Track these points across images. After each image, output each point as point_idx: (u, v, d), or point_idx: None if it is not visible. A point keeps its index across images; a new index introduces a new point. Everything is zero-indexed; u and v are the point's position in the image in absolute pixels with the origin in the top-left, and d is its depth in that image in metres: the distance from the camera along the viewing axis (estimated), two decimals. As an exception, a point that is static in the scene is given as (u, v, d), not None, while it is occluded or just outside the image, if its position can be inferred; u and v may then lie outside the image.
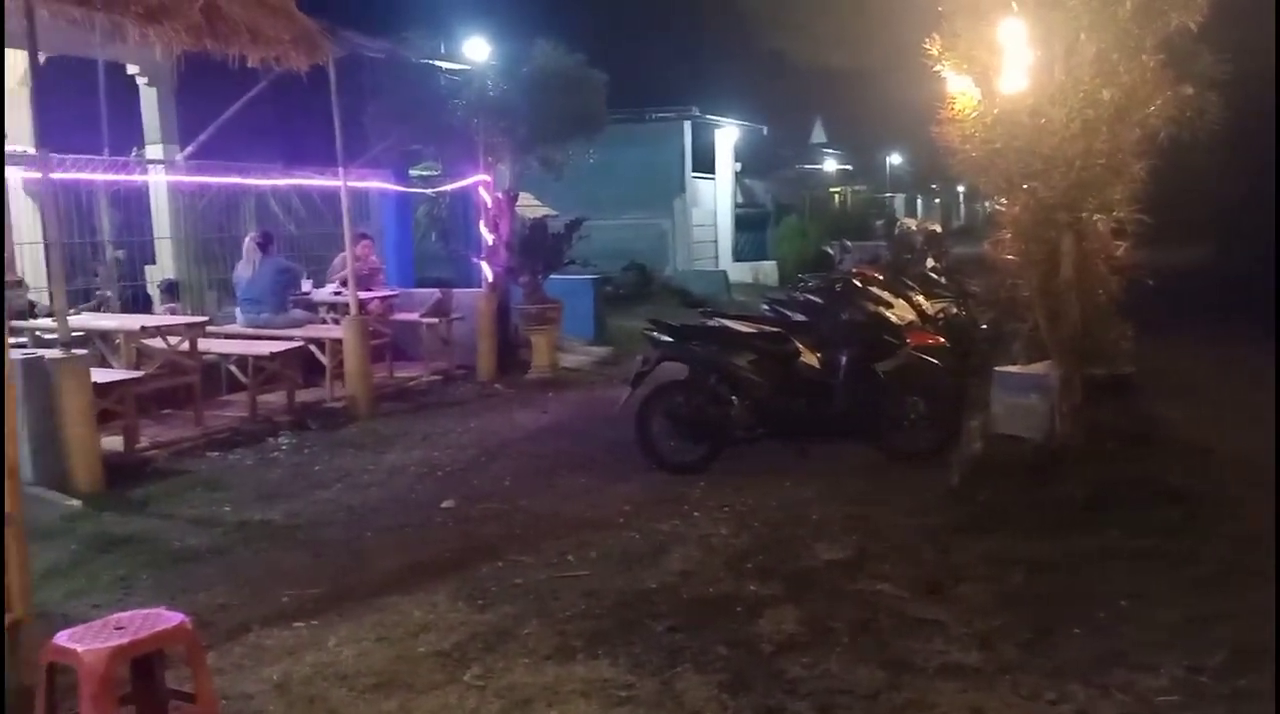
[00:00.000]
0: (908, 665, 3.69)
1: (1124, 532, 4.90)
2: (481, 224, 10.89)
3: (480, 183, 10.71)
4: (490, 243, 10.79)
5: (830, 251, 19.06)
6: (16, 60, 8.79)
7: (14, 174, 8.16)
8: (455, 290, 10.85)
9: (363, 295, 9.39)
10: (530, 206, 13.64)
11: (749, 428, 6.77)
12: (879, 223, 27.18)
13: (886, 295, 7.79)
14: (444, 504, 6.10)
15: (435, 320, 10.38)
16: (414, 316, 10.53)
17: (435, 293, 10.69)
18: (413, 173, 13.04)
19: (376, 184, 11.34)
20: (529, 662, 3.86)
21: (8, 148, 8.49)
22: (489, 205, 10.75)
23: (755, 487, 6.19)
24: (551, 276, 11.18)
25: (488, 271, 10.78)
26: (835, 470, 6.50)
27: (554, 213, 13.41)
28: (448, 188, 11.75)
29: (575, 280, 12.34)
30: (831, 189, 32.31)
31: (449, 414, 8.87)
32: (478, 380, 10.29)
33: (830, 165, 32.85)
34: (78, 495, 6.04)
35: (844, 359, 6.84)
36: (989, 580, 4.50)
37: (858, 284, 7.74)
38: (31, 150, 7.50)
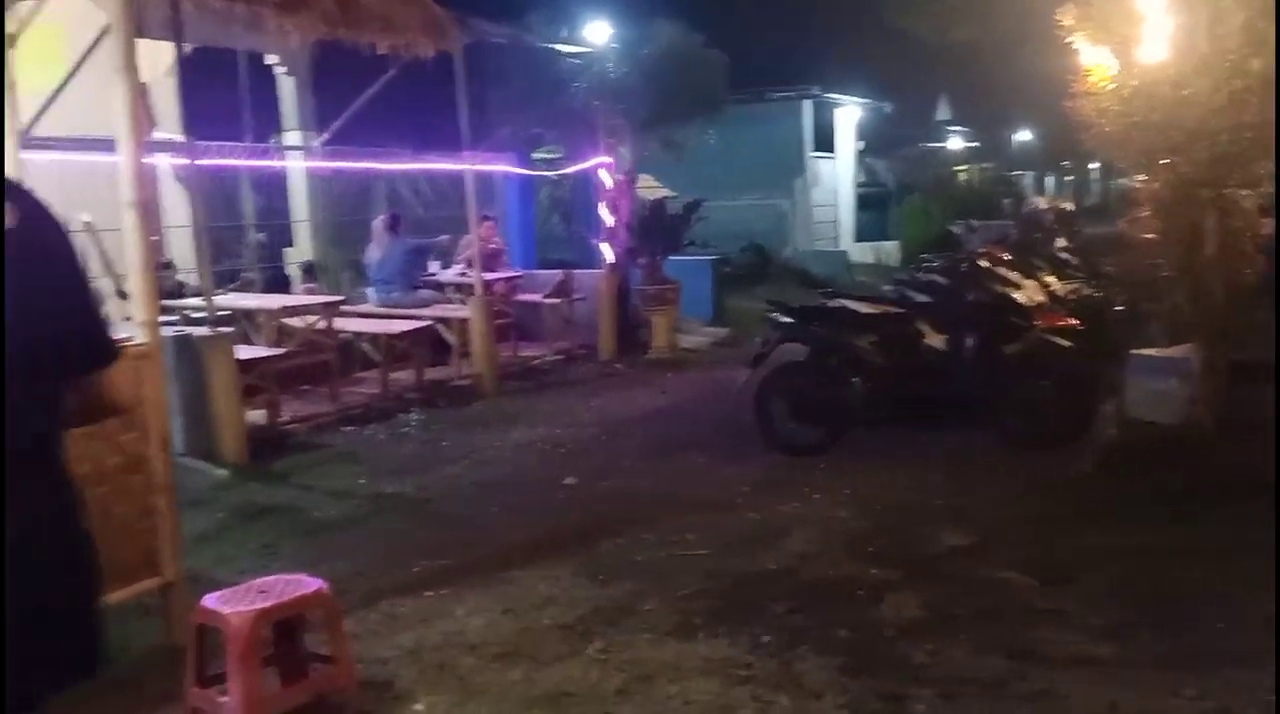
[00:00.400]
0: (1035, 655, 3.60)
1: (1266, 521, 4.66)
2: (602, 206, 11.00)
3: (600, 165, 10.81)
4: (610, 224, 10.88)
5: (955, 231, 18.53)
6: (163, 51, 9.26)
7: (164, 161, 8.60)
8: (577, 271, 11.00)
9: (487, 276, 9.61)
10: (650, 188, 13.69)
11: (870, 410, 6.67)
12: (1006, 201, 26.29)
13: (1015, 276, 7.55)
14: (566, 481, 6.22)
15: (557, 301, 10.55)
16: (537, 297, 10.72)
17: (558, 274, 10.86)
18: (535, 156, 13.23)
19: (500, 167, 11.56)
20: (650, 638, 3.91)
21: (158, 135, 9.01)
22: (609, 187, 10.84)
23: (876, 470, 6.11)
24: (670, 258, 11.22)
25: (608, 253, 10.88)
26: (960, 454, 6.36)
27: (673, 194, 13.43)
28: (569, 170, 11.90)
29: (694, 261, 12.35)
30: (957, 167, 31.40)
31: (571, 393, 9.02)
32: (598, 360, 10.43)
33: (956, 143, 31.91)
34: (224, 466, 6.38)
35: (970, 341, 6.67)
36: (1122, 570, 4.36)
37: (984, 264, 7.52)
38: (179, 138, 7.93)
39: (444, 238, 10.46)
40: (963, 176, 31.10)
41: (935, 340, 6.79)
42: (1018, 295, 7.03)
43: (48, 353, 1.52)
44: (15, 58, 5.38)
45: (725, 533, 5.12)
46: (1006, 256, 8.63)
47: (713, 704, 3.39)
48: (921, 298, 7.56)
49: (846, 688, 3.44)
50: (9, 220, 1.47)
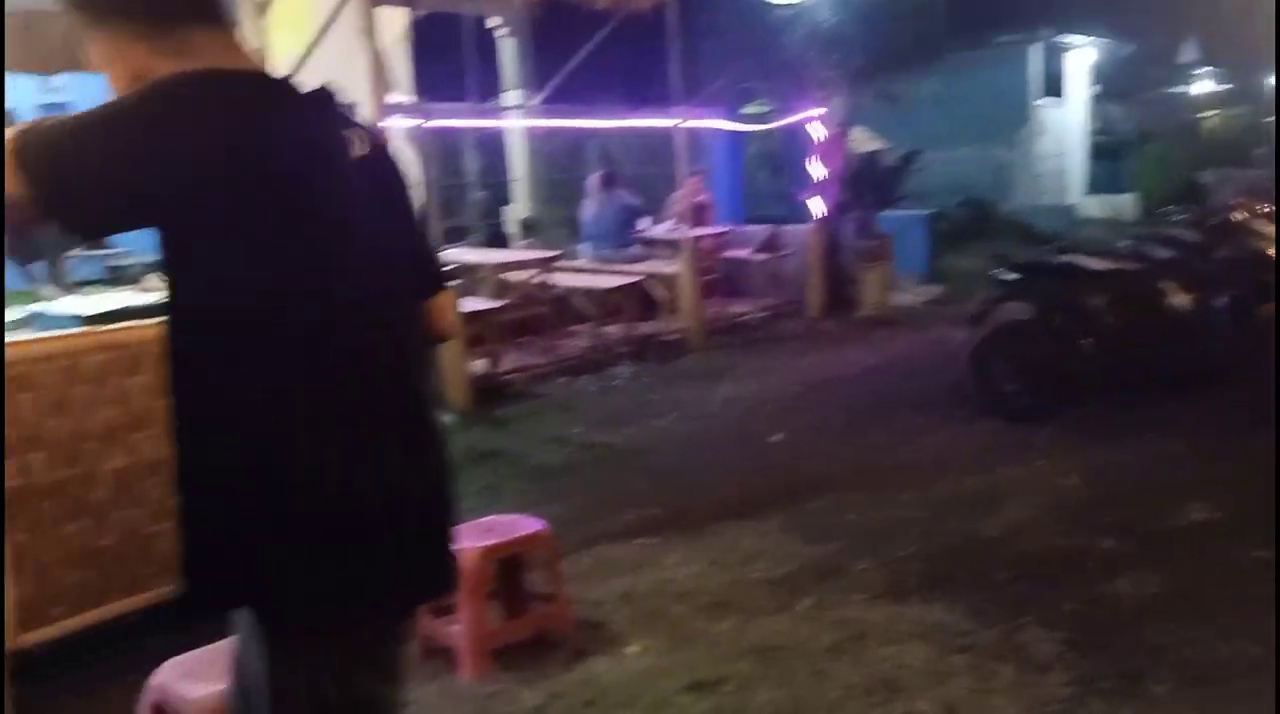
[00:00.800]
0: (1293, 644, 3.30)
1: None
2: (812, 159, 10.77)
3: (811, 118, 10.57)
4: (821, 178, 10.65)
5: (1204, 182, 17.05)
6: (396, 17, 9.72)
7: (398, 122, 9.06)
8: (785, 227, 10.85)
9: (695, 232, 9.62)
10: (863, 140, 13.30)
11: (1102, 374, 6.26)
12: (1262, 149, 23.91)
13: (1274, 231, 6.87)
14: (773, 438, 6.18)
15: (765, 256, 10.45)
16: (744, 253, 10.66)
17: (765, 229, 10.75)
18: (745, 110, 13.10)
19: (710, 123, 11.50)
20: (861, 598, 3.84)
21: (391, 98, 9.50)
22: (820, 140, 10.59)
23: (1107, 437, 5.72)
24: (883, 212, 10.88)
25: (817, 207, 10.66)
26: (1203, 424, 5.84)
27: (886, 146, 13.00)
28: (779, 124, 11.70)
29: (908, 216, 11.92)
30: (1206, 112, 28.79)
31: (778, 349, 8.94)
32: (806, 317, 10.27)
33: (1204, 86, 29.23)
34: (450, 411, 6.72)
35: (1220, 302, 6.14)
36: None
37: (1239, 218, 6.88)
38: (411, 99, 8.33)
39: (638, 203, 10.49)
40: (1212, 122, 28.49)
41: (1179, 300, 6.28)
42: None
43: (404, 275, 1.63)
44: (268, 25, 5.79)
45: (940, 496, 4.95)
46: (1264, 209, 7.87)
47: (928, 669, 3.29)
48: (1164, 254, 7.01)
49: (1075, 664, 3.26)
50: (363, 149, 1.58)
